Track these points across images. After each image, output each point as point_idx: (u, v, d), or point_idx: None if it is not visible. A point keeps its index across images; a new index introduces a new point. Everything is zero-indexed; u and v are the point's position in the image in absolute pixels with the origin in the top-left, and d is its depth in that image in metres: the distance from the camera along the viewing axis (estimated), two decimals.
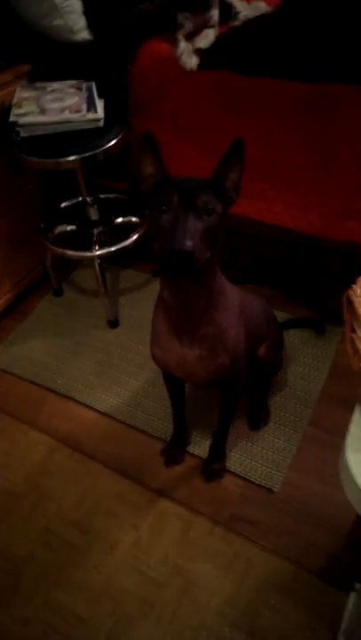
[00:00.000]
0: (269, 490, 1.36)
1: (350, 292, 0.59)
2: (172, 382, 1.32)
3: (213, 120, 1.62)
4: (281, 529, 1.28)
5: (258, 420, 1.49)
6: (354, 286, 0.60)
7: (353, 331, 0.54)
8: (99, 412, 1.61)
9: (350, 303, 0.58)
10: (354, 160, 1.45)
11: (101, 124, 1.51)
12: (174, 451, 1.45)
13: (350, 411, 1.51)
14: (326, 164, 1.50)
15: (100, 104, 1.54)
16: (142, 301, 1.98)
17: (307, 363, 1.67)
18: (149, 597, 1.20)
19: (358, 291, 0.58)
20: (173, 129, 1.68)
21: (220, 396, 1.29)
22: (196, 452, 1.46)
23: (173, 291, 0.97)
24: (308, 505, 1.32)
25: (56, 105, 1.52)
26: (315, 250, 1.68)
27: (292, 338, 1.74)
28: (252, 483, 1.38)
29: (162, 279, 1.01)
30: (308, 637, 1.10)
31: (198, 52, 1.59)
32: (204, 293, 0.98)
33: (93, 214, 1.80)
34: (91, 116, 1.48)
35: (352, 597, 1.13)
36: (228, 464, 1.41)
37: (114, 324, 1.88)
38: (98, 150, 1.51)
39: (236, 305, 1.12)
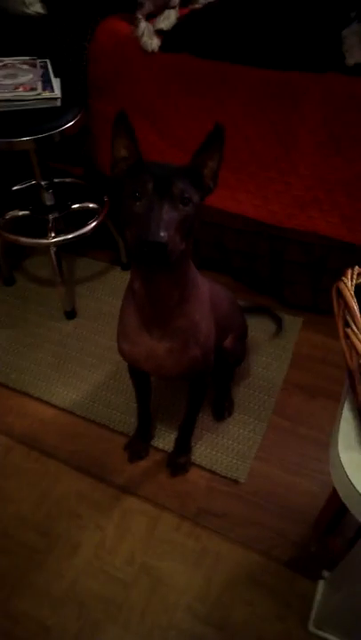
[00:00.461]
0: (235, 481, 1.35)
1: (341, 285, 0.56)
2: (138, 376, 1.27)
3: (174, 104, 1.57)
4: (248, 521, 1.27)
5: (222, 410, 1.48)
6: (344, 278, 0.58)
7: (347, 325, 0.52)
8: (57, 407, 1.53)
9: (340, 295, 0.56)
10: (315, 150, 1.45)
11: (59, 103, 1.42)
12: (138, 445, 1.40)
13: (313, 399, 1.54)
14: (288, 153, 1.49)
15: (56, 83, 1.45)
16: (100, 291, 1.91)
17: (269, 352, 1.67)
18: (116, 599, 1.15)
19: (349, 283, 0.56)
20: (132, 112, 1.59)
21: (186, 389, 1.25)
22: (161, 446, 1.42)
23: (145, 283, 0.92)
24: (274, 495, 1.32)
25: (8, 82, 1.41)
26: (276, 240, 1.67)
27: (254, 327, 1.73)
28: (218, 475, 1.36)
29: (132, 270, 0.96)
30: (280, 628, 1.09)
31: (159, 33, 1.54)
32: (176, 286, 0.94)
33: (48, 199, 1.70)
34: (47, 94, 1.39)
35: (321, 586, 1.14)
36: (193, 457, 1.39)
37: (71, 314, 1.80)
38: (54, 131, 1.42)
39: (207, 297, 1.08)
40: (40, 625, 1.12)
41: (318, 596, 1.12)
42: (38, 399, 1.56)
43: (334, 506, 1.11)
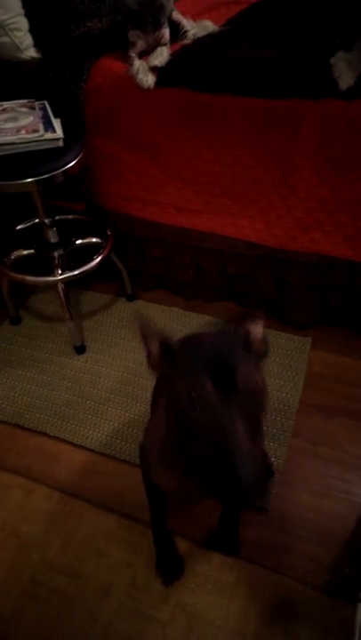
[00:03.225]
0: (262, 509, 1.33)
1: None
2: (160, 494, 1.13)
3: (172, 138, 1.60)
4: (279, 548, 1.26)
5: (268, 469, 1.39)
6: None
7: None
8: (74, 444, 1.52)
9: None
10: (313, 174, 1.48)
11: (61, 143, 1.44)
12: (170, 564, 1.22)
13: (330, 418, 1.54)
14: (287, 178, 1.52)
15: (57, 123, 1.47)
16: (107, 324, 1.91)
17: (281, 374, 1.67)
18: (154, 639, 1.12)
19: None
20: (132, 147, 1.65)
21: None
22: None
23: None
24: (302, 519, 1.31)
25: (10, 125, 1.44)
26: (279, 262, 1.70)
27: None
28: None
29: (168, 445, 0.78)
30: None
31: (154, 70, 1.58)
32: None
33: (52, 237, 1.71)
34: (49, 135, 1.41)
35: (360, 609, 1.12)
36: None
37: (81, 349, 1.79)
38: (57, 172, 1.44)
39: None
40: None
41: (359, 620, 1.10)
42: (55, 437, 1.54)
43: None
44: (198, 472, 0.61)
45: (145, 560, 1.25)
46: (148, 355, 0.73)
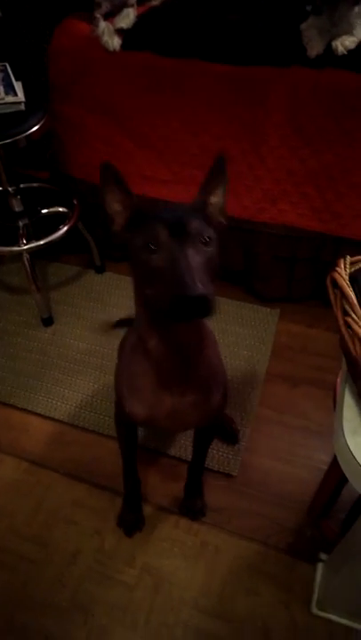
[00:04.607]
0: (228, 475, 1.37)
1: (336, 275, 0.58)
2: (131, 432, 1.15)
3: (139, 104, 1.56)
4: (244, 512, 1.29)
5: (233, 434, 1.42)
6: (338, 268, 0.59)
7: (345, 314, 0.53)
8: (42, 416, 1.51)
9: (336, 285, 0.57)
10: (281, 144, 1.47)
11: (23, 107, 1.39)
12: (132, 516, 1.27)
13: (295, 387, 1.57)
14: (256, 148, 1.51)
15: (18, 86, 1.41)
16: (76, 296, 1.89)
17: (249, 345, 1.69)
18: (121, 602, 1.15)
19: (343, 272, 0.57)
20: (98, 113, 1.60)
21: (196, 433, 1.18)
22: (152, 446, 1.42)
23: (166, 338, 0.81)
24: (266, 485, 1.35)
25: None
26: (247, 234, 1.69)
27: (233, 323, 1.75)
28: (211, 470, 1.37)
29: (146, 328, 0.83)
30: (285, 614, 1.12)
31: (120, 32, 1.53)
32: (198, 335, 0.85)
33: (17, 205, 1.67)
34: (10, 99, 1.36)
35: (320, 569, 1.17)
36: (184, 454, 1.40)
37: (48, 321, 1.77)
38: (20, 136, 1.39)
39: (211, 331, 0.98)
40: (46, 635, 1.11)
41: (318, 579, 1.15)
42: (23, 409, 1.53)
43: (327, 490, 1.15)
44: (158, 303, 0.69)
45: (113, 527, 1.27)
46: (111, 220, 0.79)
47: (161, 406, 0.92)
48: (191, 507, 1.29)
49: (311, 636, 1.09)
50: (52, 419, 1.50)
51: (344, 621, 1.10)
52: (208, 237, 0.71)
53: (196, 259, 0.68)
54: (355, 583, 0.99)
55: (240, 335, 1.72)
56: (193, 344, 0.84)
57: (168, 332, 0.80)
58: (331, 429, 1.43)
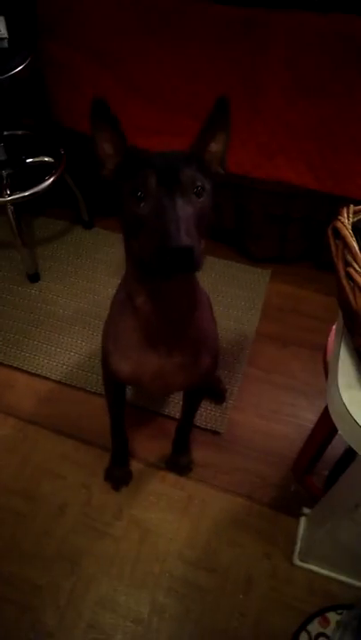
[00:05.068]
0: (215, 432, 1.38)
1: (338, 224, 0.55)
2: (120, 390, 1.13)
3: (131, 45, 1.47)
4: (230, 468, 1.31)
5: (220, 393, 1.43)
6: (341, 217, 0.57)
7: (347, 264, 0.51)
8: (29, 373, 1.50)
9: (338, 235, 0.55)
10: (279, 93, 1.41)
11: (6, 44, 1.30)
12: (119, 471, 1.28)
13: (284, 348, 1.57)
14: (253, 98, 1.44)
15: (1, 22, 1.31)
16: (63, 251, 1.84)
17: (239, 306, 1.68)
18: (107, 553, 1.17)
19: (346, 221, 0.55)
20: (89, 55, 1.51)
21: (185, 395, 1.16)
22: (141, 404, 1.42)
23: (154, 296, 0.77)
24: (252, 442, 1.36)
25: None
26: (241, 190, 1.65)
27: (224, 283, 1.73)
28: (198, 427, 1.38)
29: (134, 284, 0.79)
30: (267, 565, 1.15)
31: None
32: (187, 293, 0.80)
33: (0, 153, 1.59)
34: None
35: (302, 522, 1.20)
36: (172, 412, 1.40)
37: (34, 277, 1.73)
38: (3, 76, 1.31)
39: (207, 296, 0.97)
40: (32, 585, 1.13)
41: (301, 532, 1.18)
42: (9, 366, 1.51)
43: (312, 448, 1.16)
44: (143, 255, 0.67)
45: (100, 481, 1.28)
46: (101, 164, 0.75)
47: (146, 365, 0.89)
48: (178, 462, 1.30)
49: (292, 585, 1.13)
50: (40, 376, 1.49)
51: (324, 572, 1.13)
52: (201, 187, 0.67)
53: (185, 209, 0.64)
54: (336, 536, 1.01)
55: (230, 295, 1.70)
56: (183, 304, 0.81)
57: (156, 290, 0.77)
58: (317, 389, 1.45)
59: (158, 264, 0.63)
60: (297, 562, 1.14)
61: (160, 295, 0.78)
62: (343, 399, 0.53)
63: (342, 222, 0.54)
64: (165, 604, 1.11)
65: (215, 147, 0.75)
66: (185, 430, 1.26)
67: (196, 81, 1.46)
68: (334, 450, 1.17)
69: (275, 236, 1.73)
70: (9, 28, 1.38)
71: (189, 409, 1.19)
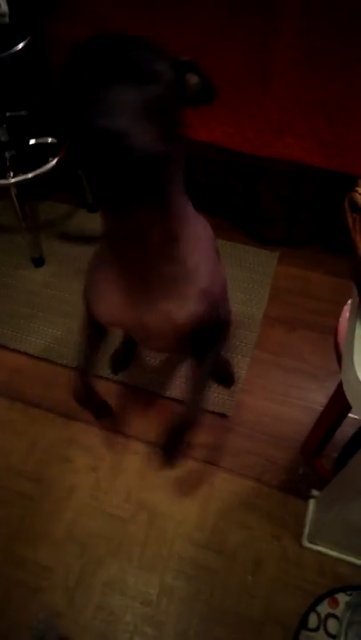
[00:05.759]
0: (223, 415, 1.37)
1: (356, 196, 0.53)
2: (99, 329, 1.00)
3: (137, 21, 1.43)
4: (238, 450, 1.30)
5: (229, 377, 1.40)
6: (358, 188, 0.55)
7: None
8: (35, 357, 1.49)
9: (356, 208, 0.53)
10: (291, 67, 1.36)
11: (7, 20, 1.26)
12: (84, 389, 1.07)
13: (293, 331, 1.55)
14: (263, 71, 1.40)
15: None
16: (66, 235, 1.81)
17: (247, 288, 1.65)
18: (116, 535, 1.17)
19: None
20: (92, 32, 1.46)
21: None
22: (151, 389, 1.41)
23: (121, 230, 0.68)
24: (261, 424, 1.35)
25: None
26: (250, 169, 1.61)
27: (231, 265, 1.70)
28: (206, 410, 1.37)
29: (102, 221, 0.71)
30: (276, 546, 1.15)
31: None
32: (159, 218, 0.68)
33: (2, 135, 1.56)
34: None
35: (311, 504, 1.19)
36: (179, 395, 1.39)
37: (39, 261, 1.71)
38: (4, 54, 1.27)
39: (208, 236, 0.84)
40: (42, 567, 1.13)
41: (310, 514, 1.17)
42: (15, 350, 1.50)
43: (321, 430, 1.15)
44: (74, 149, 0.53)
45: (108, 464, 1.28)
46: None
47: (126, 311, 0.81)
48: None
49: (301, 566, 1.12)
50: (45, 359, 1.48)
51: (334, 553, 1.13)
52: (155, 71, 0.54)
53: (126, 93, 0.51)
54: (345, 518, 1.01)
55: (238, 278, 1.68)
56: (154, 237, 0.69)
57: (120, 222, 0.68)
58: (327, 371, 1.43)
59: (76, 156, 0.51)
60: (306, 544, 1.14)
61: (126, 228, 0.68)
62: (360, 377, 0.51)
63: (360, 193, 0.52)
64: (174, 586, 1.11)
65: (193, 80, 0.68)
66: (198, 390, 1.02)
67: (203, 56, 1.41)
68: (343, 432, 1.16)
69: (283, 217, 1.70)
70: (10, 3, 1.34)
71: (196, 380, 1.00)
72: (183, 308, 0.80)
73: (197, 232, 0.80)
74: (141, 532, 1.18)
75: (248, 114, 1.47)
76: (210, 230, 0.89)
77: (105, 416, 1.12)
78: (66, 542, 1.16)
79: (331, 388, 1.05)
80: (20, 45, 1.29)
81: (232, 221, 1.81)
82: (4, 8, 1.26)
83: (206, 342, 0.93)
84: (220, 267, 0.88)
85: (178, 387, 1.41)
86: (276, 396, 1.40)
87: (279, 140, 1.48)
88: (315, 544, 1.14)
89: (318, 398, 1.37)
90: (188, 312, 0.80)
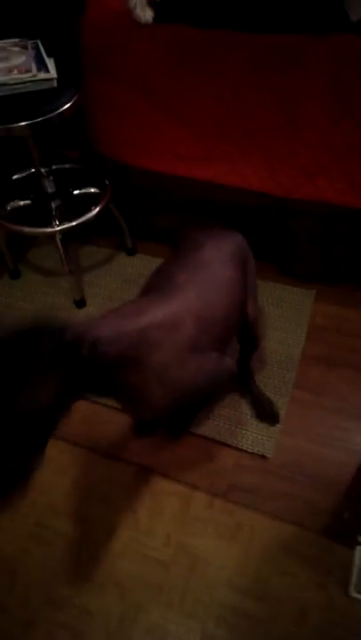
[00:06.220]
0: (263, 456, 1.35)
1: None
2: None
3: (172, 77, 1.52)
4: (279, 493, 1.28)
5: (272, 415, 1.41)
6: None
7: None
8: None
9: None
10: (320, 115, 1.41)
11: (55, 84, 1.38)
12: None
13: (331, 369, 1.54)
14: (293, 120, 1.45)
15: (50, 63, 1.40)
16: (108, 278, 1.89)
17: (284, 327, 1.66)
18: (156, 580, 1.16)
19: None
20: (130, 89, 1.57)
21: None
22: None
23: None
24: (302, 466, 1.33)
25: (1, 65, 1.36)
26: (284, 212, 1.65)
27: (267, 304, 1.72)
28: (245, 451, 1.36)
29: None
30: (321, 595, 1.11)
31: (152, 4, 1.48)
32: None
33: (49, 186, 1.66)
34: (43, 75, 1.34)
35: (358, 551, 1.15)
36: (218, 435, 1.39)
37: (81, 303, 1.78)
38: (52, 114, 1.38)
39: (167, 356, 0.89)
40: (83, 610, 1.13)
41: (357, 562, 1.13)
42: None
43: None
44: None
45: (147, 504, 1.28)
46: None
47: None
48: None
49: (349, 618, 1.07)
50: (86, 398, 1.51)
51: None
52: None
53: None
54: None
55: (275, 316, 1.69)
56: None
57: None
58: None
59: None
60: (353, 594, 1.09)
61: None
62: None
63: None
64: (216, 635, 1.08)
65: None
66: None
67: (236, 107, 1.49)
68: None
69: (319, 255, 1.72)
70: (57, 67, 1.46)
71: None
72: (150, 409, 0.96)
73: (149, 364, 0.87)
74: (182, 577, 1.16)
75: (280, 159, 1.51)
76: (215, 297, 1.00)
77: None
78: (106, 585, 1.16)
79: None
80: (67, 105, 1.40)
81: (265, 258, 1.83)
82: (53, 73, 1.37)
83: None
84: (195, 360, 0.93)
85: (216, 427, 1.41)
86: (316, 437, 1.38)
87: (311, 182, 1.51)
88: None
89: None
90: (154, 410, 0.96)
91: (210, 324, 0.96)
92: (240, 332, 1.24)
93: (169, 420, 1.37)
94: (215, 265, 1.03)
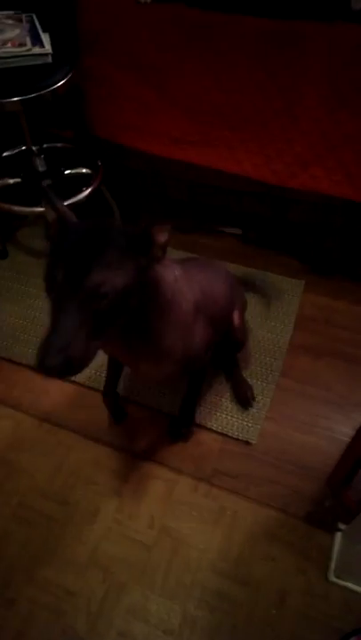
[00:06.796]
0: (247, 442, 1.36)
1: None
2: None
3: (170, 60, 1.50)
4: (263, 479, 1.29)
5: (247, 399, 1.43)
6: None
7: None
8: (64, 379, 1.52)
9: None
10: (318, 104, 1.41)
11: (50, 59, 1.34)
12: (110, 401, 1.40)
13: (318, 359, 1.55)
14: (291, 108, 1.44)
15: (45, 38, 1.36)
16: None
17: (273, 316, 1.66)
18: (139, 562, 1.17)
19: None
20: (127, 69, 1.54)
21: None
22: (171, 412, 1.42)
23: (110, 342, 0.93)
24: (286, 453, 1.34)
25: None
26: (279, 200, 1.65)
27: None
28: (230, 437, 1.37)
29: None
30: (301, 580, 1.13)
31: None
32: (141, 335, 0.90)
33: (40, 165, 1.64)
34: (37, 50, 1.31)
35: (338, 537, 1.17)
36: (204, 421, 1.39)
37: None
38: (45, 91, 1.35)
39: (187, 310, 0.99)
40: (66, 590, 1.13)
41: (336, 548, 1.15)
42: None
43: (349, 461, 1.14)
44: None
45: (132, 487, 1.28)
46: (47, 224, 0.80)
47: (124, 357, 1.06)
48: (177, 429, 1.36)
49: (328, 602, 1.10)
50: (73, 381, 1.50)
51: None
52: (105, 293, 0.69)
53: (74, 319, 0.68)
54: None
55: (263, 305, 1.68)
56: (133, 343, 0.92)
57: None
58: (353, 402, 1.42)
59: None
60: (333, 578, 1.12)
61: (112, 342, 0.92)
62: None
63: None
64: (197, 616, 1.09)
65: (162, 239, 0.77)
66: (188, 404, 1.33)
67: (233, 92, 1.47)
68: None
69: (311, 246, 1.72)
70: (51, 44, 1.42)
71: (189, 388, 1.29)
72: (161, 368, 1.03)
73: (178, 316, 0.95)
74: (164, 559, 1.17)
75: (276, 147, 1.51)
76: (216, 283, 1.18)
77: (121, 421, 1.40)
78: (89, 566, 1.16)
79: (358, 419, 1.05)
80: (61, 82, 1.37)
81: (259, 244, 1.83)
82: (48, 48, 1.34)
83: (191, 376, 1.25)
84: (200, 328, 1.03)
85: (201, 413, 1.41)
86: (301, 425, 1.39)
87: (306, 171, 1.51)
88: (342, 579, 1.11)
89: (345, 429, 1.36)
90: (166, 370, 1.04)
91: (209, 302, 1.07)
92: (225, 335, 1.31)
93: (171, 421, 1.37)
94: (213, 270, 1.23)
